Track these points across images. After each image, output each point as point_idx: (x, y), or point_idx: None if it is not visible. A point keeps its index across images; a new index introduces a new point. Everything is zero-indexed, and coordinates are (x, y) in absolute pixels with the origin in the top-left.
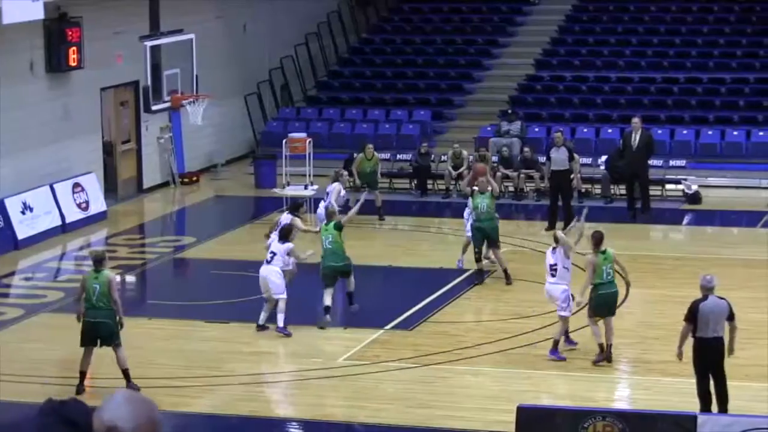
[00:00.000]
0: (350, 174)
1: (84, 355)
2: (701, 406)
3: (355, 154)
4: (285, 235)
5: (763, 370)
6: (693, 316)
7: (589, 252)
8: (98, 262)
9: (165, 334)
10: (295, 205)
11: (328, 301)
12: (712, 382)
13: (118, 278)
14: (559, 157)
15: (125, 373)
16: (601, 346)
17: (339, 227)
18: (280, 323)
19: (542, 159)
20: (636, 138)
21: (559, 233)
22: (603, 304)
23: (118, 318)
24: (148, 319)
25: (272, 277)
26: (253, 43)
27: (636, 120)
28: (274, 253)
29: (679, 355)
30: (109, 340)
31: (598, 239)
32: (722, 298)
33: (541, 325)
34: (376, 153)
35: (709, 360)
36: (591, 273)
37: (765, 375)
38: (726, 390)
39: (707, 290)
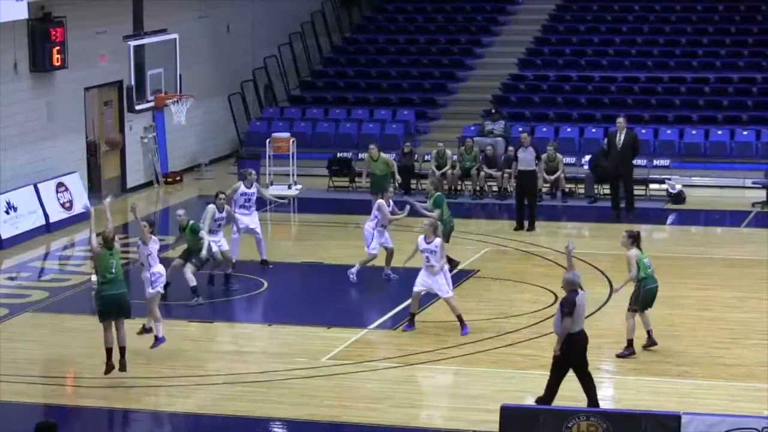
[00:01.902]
0: (358, 175)
1: (105, 331)
2: (547, 401)
3: (339, 154)
4: None
5: (747, 370)
6: (572, 310)
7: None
8: (109, 240)
9: (148, 334)
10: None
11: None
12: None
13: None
14: (526, 157)
15: (123, 350)
16: (630, 341)
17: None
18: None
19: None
20: (621, 137)
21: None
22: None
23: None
24: (131, 318)
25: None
26: (237, 42)
27: (621, 119)
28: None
29: (559, 351)
30: (127, 312)
31: (636, 236)
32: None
33: (525, 324)
34: (383, 153)
35: (579, 353)
36: (636, 268)
37: (749, 374)
38: (593, 382)
39: (576, 285)
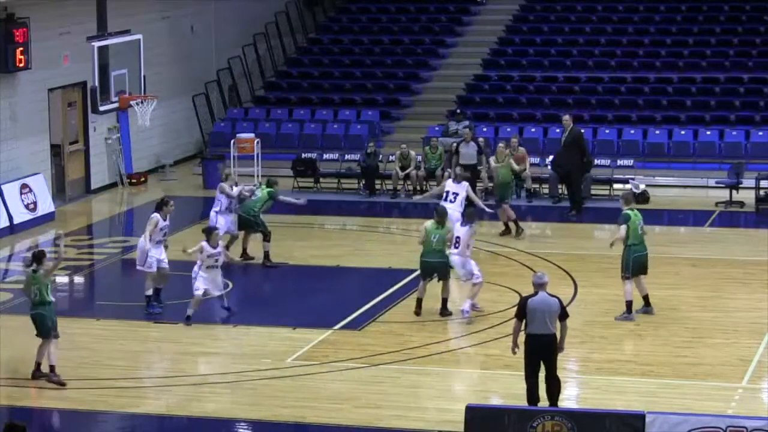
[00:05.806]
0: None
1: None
2: (528, 402)
3: (303, 155)
4: None
5: (710, 369)
6: (522, 312)
7: None
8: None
9: (113, 335)
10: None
11: None
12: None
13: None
14: (468, 152)
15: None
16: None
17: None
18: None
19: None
20: (565, 135)
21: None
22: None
23: None
24: (96, 321)
25: None
26: (201, 43)
27: (566, 117)
28: None
29: (513, 350)
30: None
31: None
32: (554, 296)
33: (489, 324)
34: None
35: (539, 356)
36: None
37: (713, 373)
38: (556, 386)
39: (538, 286)
